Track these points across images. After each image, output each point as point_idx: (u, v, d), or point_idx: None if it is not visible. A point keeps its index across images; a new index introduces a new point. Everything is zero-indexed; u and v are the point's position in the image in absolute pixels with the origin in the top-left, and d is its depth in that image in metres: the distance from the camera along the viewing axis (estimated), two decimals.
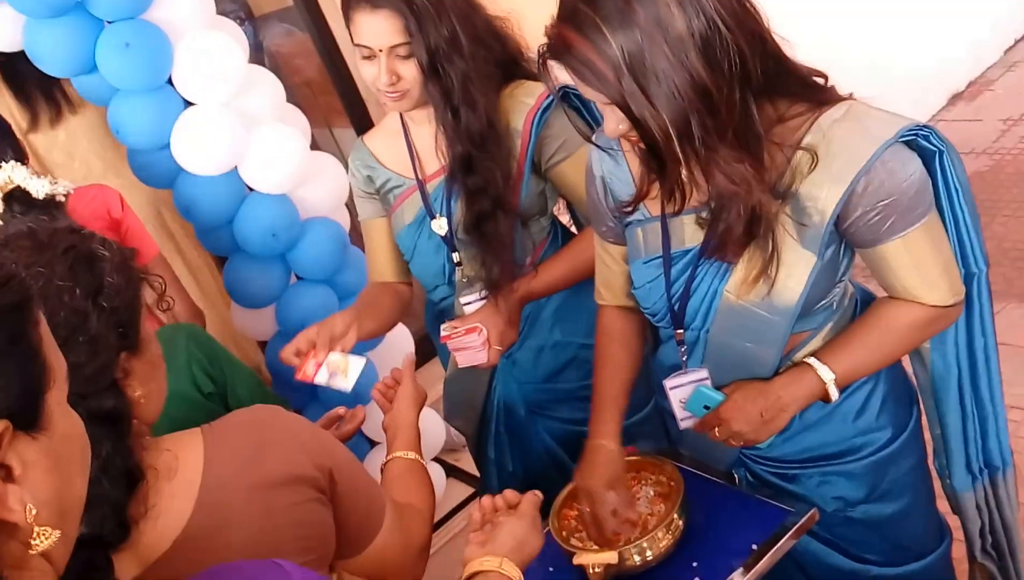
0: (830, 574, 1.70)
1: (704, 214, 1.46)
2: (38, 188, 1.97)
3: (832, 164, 1.34)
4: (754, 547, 1.55)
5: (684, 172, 1.33)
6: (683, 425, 1.65)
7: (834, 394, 1.51)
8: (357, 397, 2.53)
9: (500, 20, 1.93)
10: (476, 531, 1.42)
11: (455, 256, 2.04)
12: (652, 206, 1.54)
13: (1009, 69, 5.40)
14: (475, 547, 1.36)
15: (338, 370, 1.85)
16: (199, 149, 2.37)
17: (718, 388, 1.57)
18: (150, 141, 2.38)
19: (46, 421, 0.70)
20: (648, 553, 1.58)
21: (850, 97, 1.40)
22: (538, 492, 1.48)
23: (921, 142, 1.38)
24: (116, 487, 1.01)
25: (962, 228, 1.49)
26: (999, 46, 5.54)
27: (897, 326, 1.51)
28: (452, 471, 3.31)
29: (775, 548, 1.54)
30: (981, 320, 1.59)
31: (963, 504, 1.76)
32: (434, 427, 2.89)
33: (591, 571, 1.57)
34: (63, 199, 2.01)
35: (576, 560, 1.60)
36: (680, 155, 1.29)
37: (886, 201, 1.35)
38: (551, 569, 1.68)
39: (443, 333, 2.01)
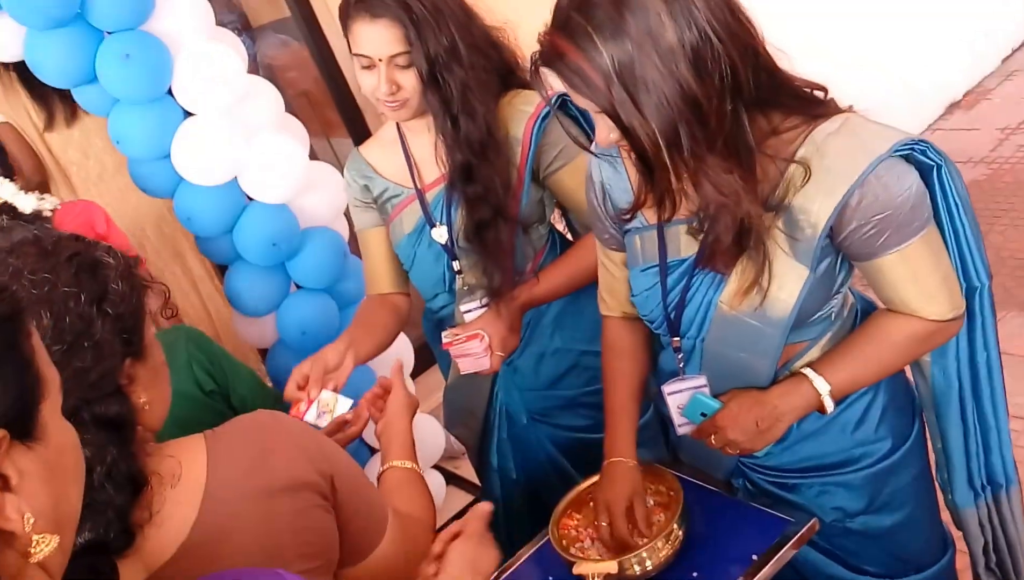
0: None
1: (694, 224, 1.46)
2: (25, 204, 1.99)
3: (825, 177, 1.34)
4: (754, 557, 1.55)
5: (674, 181, 1.33)
6: (680, 431, 1.66)
7: (829, 406, 1.51)
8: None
9: (496, 30, 1.93)
10: (426, 565, 1.35)
11: (455, 264, 2.04)
12: (650, 214, 1.54)
13: (1007, 78, 5.41)
14: None
15: (327, 410, 1.85)
16: (199, 159, 2.37)
17: (715, 396, 1.57)
18: (150, 151, 2.38)
19: (41, 431, 0.70)
20: (648, 563, 1.58)
21: (849, 110, 1.40)
22: (486, 504, 1.44)
23: (918, 156, 1.38)
24: (120, 493, 1.01)
25: (963, 242, 1.49)
26: (996, 55, 5.55)
27: (895, 339, 1.50)
28: (452, 479, 3.31)
29: (776, 558, 1.54)
30: (983, 334, 1.58)
31: (965, 520, 1.75)
32: (434, 435, 2.89)
33: None
34: (50, 214, 2.04)
35: (576, 570, 1.60)
36: (669, 164, 1.30)
37: (881, 215, 1.35)
38: (551, 578, 1.68)
39: (445, 340, 2.01)
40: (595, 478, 1.74)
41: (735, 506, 1.69)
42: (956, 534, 1.80)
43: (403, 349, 2.86)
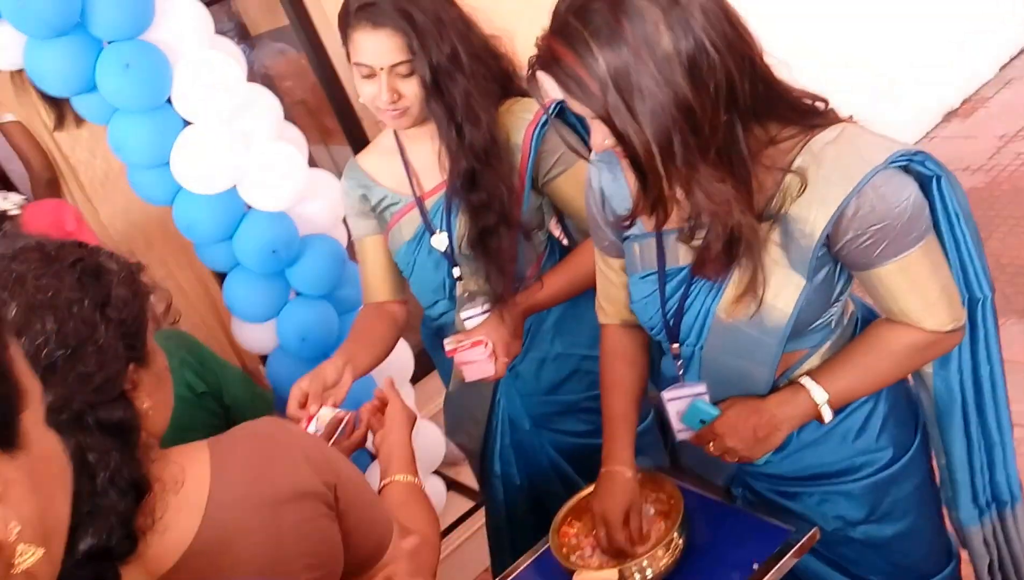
0: None
1: (685, 231, 1.47)
2: None
3: (822, 187, 1.34)
4: (755, 566, 1.55)
5: (667, 188, 1.33)
6: (679, 436, 1.66)
7: (827, 415, 1.51)
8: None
9: (494, 38, 1.94)
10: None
11: (455, 271, 2.05)
12: (648, 222, 1.54)
13: (1004, 86, 5.41)
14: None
15: (324, 426, 1.85)
16: (198, 168, 2.38)
17: (715, 403, 1.57)
18: (150, 159, 2.38)
19: (23, 440, 0.69)
20: (648, 571, 1.58)
21: (848, 120, 1.40)
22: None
23: (916, 167, 1.38)
24: (123, 498, 1.01)
25: (964, 252, 1.48)
26: (994, 63, 5.55)
27: (894, 349, 1.50)
28: (452, 485, 3.31)
29: (777, 567, 1.53)
30: (987, 346, 1.57)
31: (970, 539, 1.74)
32: (434, 441, 2.90)
33: None
34: (17, 212, 2.04)
35: (576, 578, 1.60)
36: (662, 171, 1.30)
37: (878, 225, 1.35)
38: None
39: (448, 347, 2.01)
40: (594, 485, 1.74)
41: (735, 515, 1.69)
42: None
43: (403, 355, 2.87)
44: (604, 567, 1.61)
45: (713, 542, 1.65)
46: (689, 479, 1.79)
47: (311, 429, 1.83)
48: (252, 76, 2.58)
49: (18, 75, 2.91)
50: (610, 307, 1.77)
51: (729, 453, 1.54)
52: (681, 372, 1.63)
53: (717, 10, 1.27)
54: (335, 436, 1.79)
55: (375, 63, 1.81)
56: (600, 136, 1.34)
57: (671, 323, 1.58)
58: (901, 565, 1.67)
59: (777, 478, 1.66)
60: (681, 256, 1.53)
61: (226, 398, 2.07)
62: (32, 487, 0.69)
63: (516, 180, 1.93)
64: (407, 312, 2.20)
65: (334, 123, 3.67)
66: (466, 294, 2.06)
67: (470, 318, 2.05)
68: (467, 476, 3.11)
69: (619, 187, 1.59)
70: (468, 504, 3.26)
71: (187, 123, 2.40)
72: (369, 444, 2.70)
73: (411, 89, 1.83)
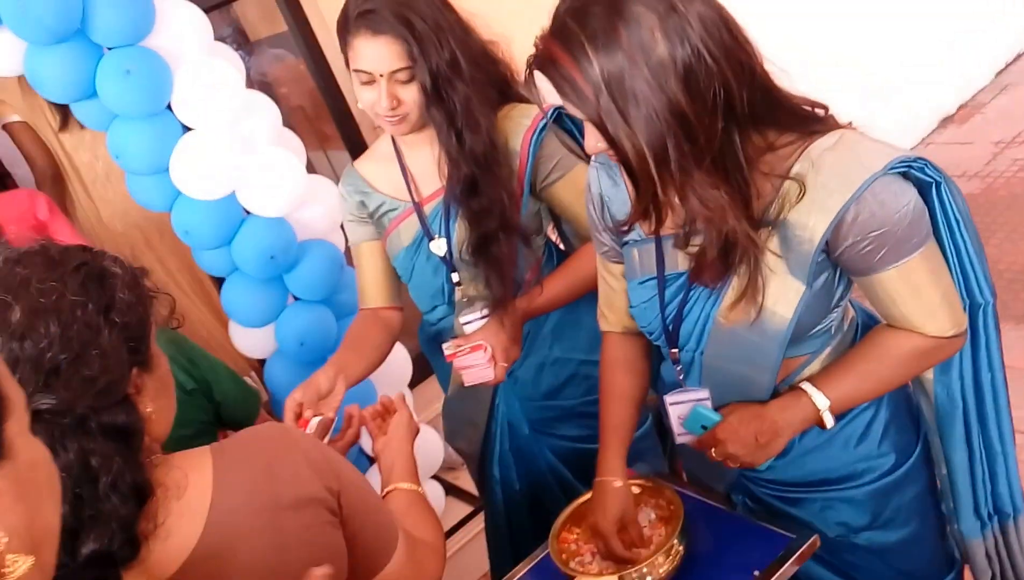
0: None
1: (680, 236, 1.47)
2: None
3: (821, 193, 1.34)
4: (756, 573, 1.54)
5: (660, 193, 1.32)
6: (680, 441, 1.65)
7: (829, 421, 1.50)
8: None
9: (492, 44, 1.94)
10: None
11: (454, 276, 2.05)
12: (646, 227, 1.54)
13: (1001, 92, 5.41)
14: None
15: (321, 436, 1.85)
16: (198, 174, 2.38)
17: (716, 409, 1.57)
18: (149, 165, 2.39)
19: (8, 449, 0.69)
20: (648, 578, 1.57)
21: (848, 126, 1.40)
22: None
23: (916, 173, 1.37)
24: (125, 503, 1.01)
25: (964, 258, 1.48)
26: (990, 69, 5.56)
27: (895, 355, 1.49)
28: (451, 490, 3.31)
29: (777, 574, 1.53)
30: (988, 353, 1.56)
31: (972, 552, 1.72)
32: (433, 445, 2.90)
33: None
34: None
35: None
36: (654, 176, 1.29)
37: (877, 231, 1.34)
38: None
39: (447, 352, 2.01)
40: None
41: (736, 521, 1.69)
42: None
43: (401, 360, 2.88)
44: (604, 573, 1.61)
45: (713, 549, 1.64)
46: (689, 485, 1.78)
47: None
48: (249, 82, 2.59)
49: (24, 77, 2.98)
50: (612, 314, 1.77)
51: (731, 459, 1.53)
52: (681, 377, 1.63)
53: (715, 17, 1.27)
54: (326, 440, 1.79)
55: (375, 70, 1.81)
56: (593, 138, 1.34)
57: (670, 328, 1.58)
58: (904, 571, 1.67)
59: (779, 484, 1.65)
60: (680, 261, 1.53)
61: (216, 394, 2.09)
62: (18, 496, 0.69)
63: (515, 185, 1.94)
64: (402, 318, 2.21)
65: (332, 129, 3.67)
66: (465, 299, 2.07)
67: (469, 323, 2.05)
68: (465, 481, 3.12)
69: (618, 192, 1.59)
70: (467, 509, 3.26)
71: (187, 129, 2.40)
72: (367, 446, 2.72)
73: (411, 95, 1.83)
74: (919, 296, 1.42)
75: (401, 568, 1.30)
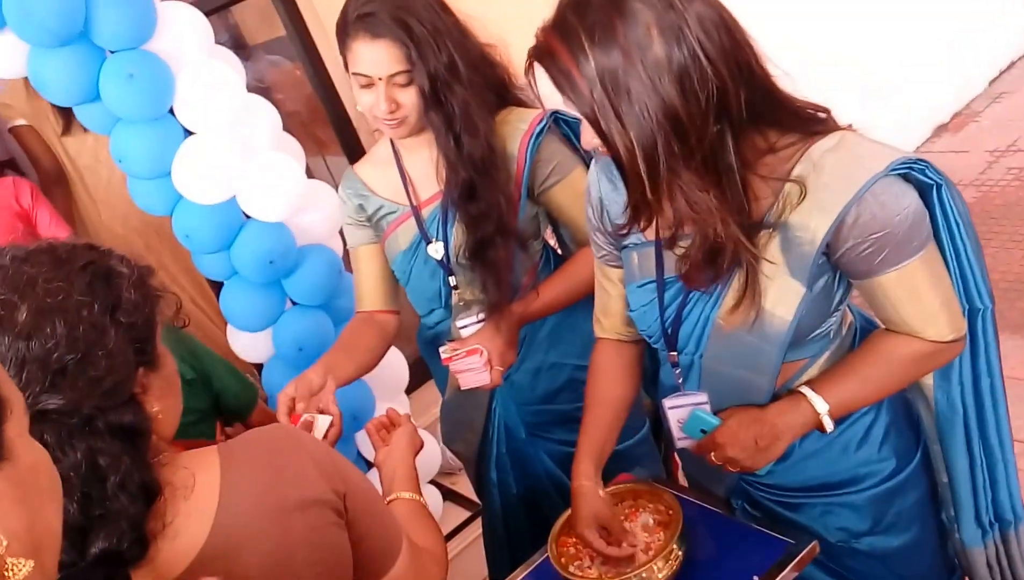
0: None
1: (666, 238, 1.47)
2: None
3: (822, 194, 1.34)
4: (755, 578, 1.54)
5: (649, 192, 1.32)
6: (680, 445, 1.65)
7: (828, 425, 1.50)
8: (355, 421, 2.56)
9: (490, 47, 1.95)
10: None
11: (451, 280, 2.05)
12: (647, 231, 1.54)
13: (995, 100, 5.42)
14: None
15: (308, 430, 1.85)
16: (200, 178, 2.39)
17: (715, 413, 1.57)
18: (152, 169, 2.39)
19: (8, 451, 0.69)
20: None
21: (848, 128, 1.40)
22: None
23: (917, 175, 1.37)
24: (134, 502, 1.01)
25: (964, 262, 1.47)
26: (984, 77, 5.57)
27: (894, 359, 1.49)
28: (448, 495, 3.31)
29: (777, 579, 1.53)
30: (987, 359, 1.56)
31: (973, 561, 1.70)
32: (430, 450, 2.90)
33: None
34: None
35: None
36: (643, 174, 1.29)
37: (878, 234, 1.34)
38: None
39: (443, 355, 2.01)
40: None
41: (735, 526, 1.69)
42: None
43: (398, 366, 2.88)
44: (603, 578, 1.60)
45: (713, 554, 1.64)
46: (688, 490, 1.78)
47: None
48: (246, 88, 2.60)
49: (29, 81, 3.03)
50: (607, 321, 1.77)
51: (731, 463, 1.53)
52: (680, 381, 1.63)
53: (715, 18, 1.27)
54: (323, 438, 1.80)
55: (374, 73, 1.81)
56: (588, 134, 1.35)
57: (669, 331, 1.58)
58: (905, 577, 1.66)
59: (780, 489, 1.65)
60: (680, 265, 1.53)
61: (216, 384, 2.13)
62: (19, 499, 0.69)
63: (513, 190, 1.94)
64: (398, 322, 2.21)
65: (329, 134, 3.67)
66: (462, 303, 2.07)
67: (466, 327, 2.06)
68: (463, 486, 3.11)
69: (618, 196, 1.58)
70: (465, 514, 3.25)
71: (188, 133, 2.40)
72: (367, 451, 2.73)
73: (409, 99, 1.84)
74: (919, 300, 1.42)
75: (404, 573, 1.29)
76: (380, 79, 1.81)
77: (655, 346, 1.67)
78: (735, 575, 1.58)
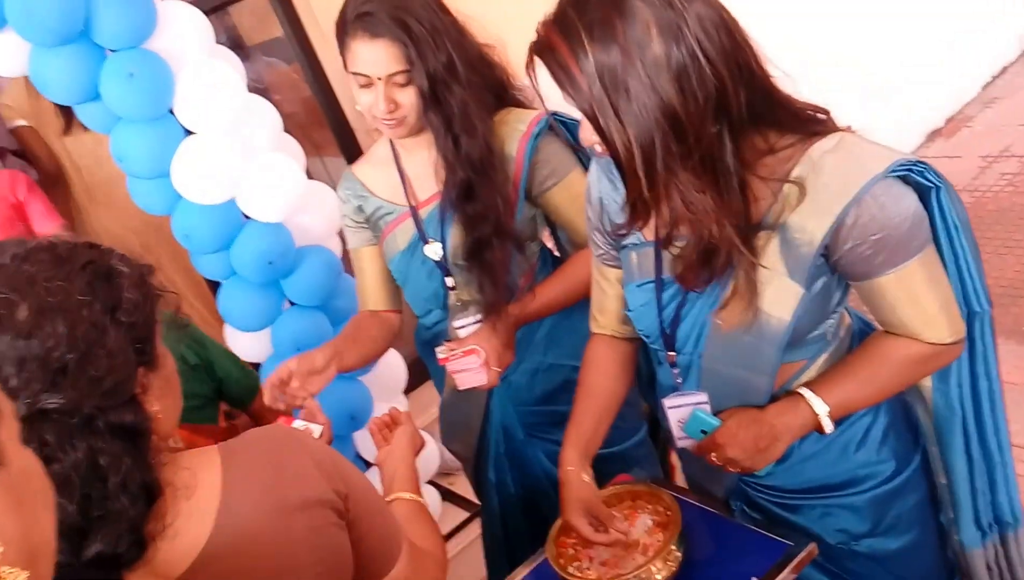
0: None
1: (663, 237, 1.47)
2: None
3: (821, 195, 1.34)
4: None
5: (645, 190, 1.32)
6: (680, 445, 1.66)
7: (828, 426, 1.50)
8: (353, 421, 2.55)
9: (488, 47, 1.95)
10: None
11: (449, 280, 2.06)
12: (646, 231, 1.54)
13: (987, 105, 5.42)
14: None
15: None
16: (199, 178, 2.39)
17: (715, 413, 1.57)
18: (152, 169, 2.40)
19: (1, 456, 0.68)
20: None
21: (847, 129, 1.40)
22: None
23: (916, 177, 1.37)
24: (135, 504, 1.01)
25: (963, 266, 1.48)
26: (977, 82, 5.58)
27: (893, 361, 1.49)
28: (447, 495, 3.31)
29: None
30: (985, 362, 1.56)
31: (973, 563, 1.70)
32: (429, 450, 2.90)
33: None
34: None
35: None
36: (641, 173, 1.30)
37: (877, 235, 1.34)
38: None
39: (440, 355, 2.02)
40: None
41: (734, 528, 1.68)
42: None
43: (396, 366, 2.89)
44: (602, 579, 1.61)
45: (712, 555, 1.64)
46: (686, 491, 1.79)
47: None
48: None
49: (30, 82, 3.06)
50: (602, 318, 1.77)
51: (731, 463, 1.53)
52: (679, 381, 1.63)
53: (715, 18, 1.27)
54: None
55: (373, 72, 1.81)
56: (587, 132, 1.35)
57: (667, 331, 1.58)
58: (904, 579, 1.66)
59: (779, 490, 1.65)
60: (676, 265, 1.53)
61: (218, 371, 2.19)
62: (13, 505, 0.68)
63: (511, 191, 1.94)
64: (401, 321, 2.22)
65: (325, 135, 3.67)
66: (459, 303, 2.07)
67: (463, 327, 2.06)
68: (462, 486, 3.12)
69: (618, 195, 1.58)
70: (463, 515, 3.26)
71: (188, 133, 2.40)
72: (365, 451, 2.73)
73: (408, 99, 1.84)
74: (917, 302, 1.42)
75: (404, 574, 1.29)
76: (379, 79, 1.81)
77: (653, 346, 1.67)
78: (734, 576, 1.58)
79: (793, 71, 1.39)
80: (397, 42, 1.78)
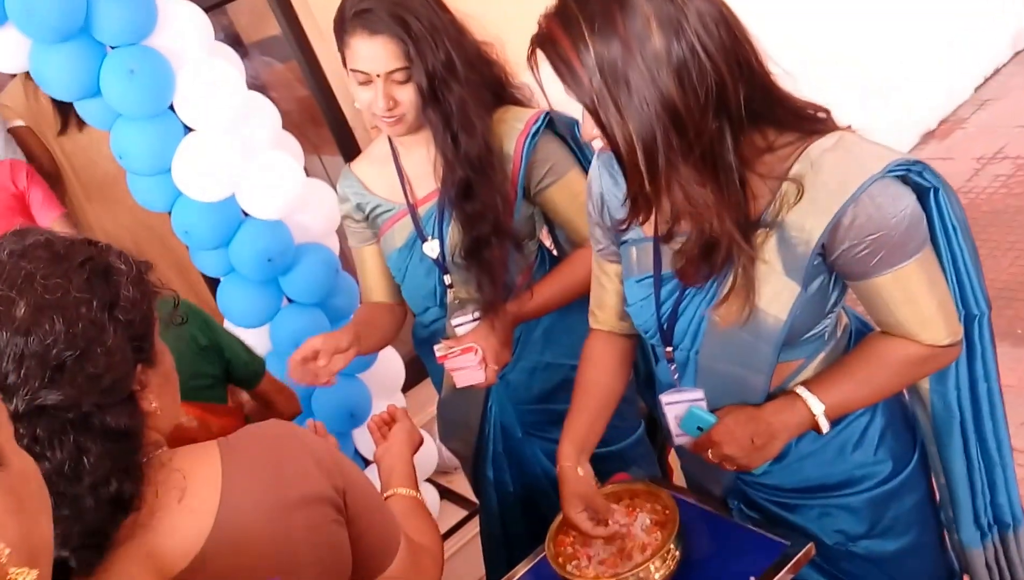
0: None
1: (664, 232, 1.47)
2: None
3: (819, 194, 1.33)
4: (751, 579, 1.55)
5: (646, 185, 1.32)
6: (677, 441, 1.66)
7: (824, 426, 1.50)
8: (352, 419, 2.55)
9: (487, 45, 1.96)
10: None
11: (446, 278, 2.06)
12: (646, 226, 1.54)
13: (980, 107, 5.41)
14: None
15: None
16: (199, 175, 2.39)
17: (712, 410, 1.56)
18: (152, 166, 2.40)
19: (1, 458, 0.69)
20: None
21: (847, 129, 1.40)
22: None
23: (914, 177, 1.37)
24: (98, 510, 1.00)
25: (961, 267, 1.48)
26: (970, 83, 5.58)
27: (890, 361, 1.49)
28: (445, 493, 3.31)
29: None
30: (984, 364, 1.56)
31: (972, 562, 1.69)
32: (427, 448, 2.90)
33: None
34: None
35: None
36: (641, 167, 1.30)
37: (874, 235, 1.34)
38: None
39: (438, 353, 2.02)
40: None
41: (732, 527, 1.68)
42: None
43: (394, 363, 2.89)
44: (601, 578, 1.61)
45: (709, 554, 1.64)
46: (684, 490, 1.79)
47: None
48: None
49: (30, 83, 3.17)
50: (601, 314, 1.77)
51: (727, 461, 1.52)
52: (676, 377, 1.63)
53: (715, 14, 1.28)
54: None
55: (372, 70, 1.81)
56: (589, 125, 1.35)
57: (665, 327, 1.58)
58: None
59: (776, 489, 1.65)
60: (677, 260, 1.52)
61: (226, 353, 2.21)
62: (15, 507, 0.68)
63: (509, 189, 1.95)
64: (405, 313, 2.23)
65: (324, 133, 3.67)
66: (457, 301, 2.08)
67: (461, 325, 2.07)
68: (460, 485, 3.12)
69: (619, 191, 1.58)
70: (462, 513, 3.26)
71: (188, 130, 2.40)
72: (364, 448, 2.73)
73: (407, 96, 1.84)
74: (914, 303, 1.42)
75: (403, 571, 1.30)
76: (378, 76, 1.81)
77: (651, 342, 1.67)
78: (732, 576, 1.58)
79: (793, 69, 1.39)
80: (396, 39, 1.78)
